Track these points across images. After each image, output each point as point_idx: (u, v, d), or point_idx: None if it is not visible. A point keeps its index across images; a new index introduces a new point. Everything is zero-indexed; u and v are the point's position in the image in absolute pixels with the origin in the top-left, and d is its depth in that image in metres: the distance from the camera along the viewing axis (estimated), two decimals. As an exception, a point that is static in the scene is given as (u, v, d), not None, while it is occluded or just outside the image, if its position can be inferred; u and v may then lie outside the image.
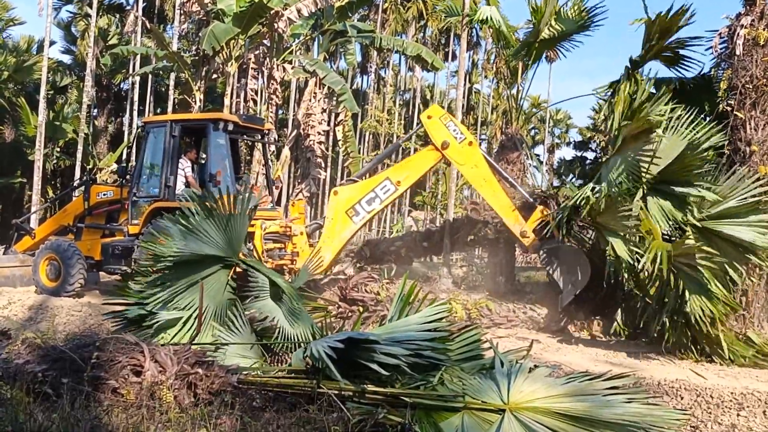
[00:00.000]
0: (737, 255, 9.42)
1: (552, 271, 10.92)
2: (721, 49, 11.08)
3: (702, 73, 12.22)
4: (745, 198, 9.48)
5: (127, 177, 12.84)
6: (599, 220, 10.04)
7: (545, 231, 10.88)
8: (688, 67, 11.75)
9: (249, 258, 7.64)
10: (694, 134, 9.67)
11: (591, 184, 10.20)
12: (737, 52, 10.44)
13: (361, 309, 9.93)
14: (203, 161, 13.05)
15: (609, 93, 11.74)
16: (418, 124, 13.32)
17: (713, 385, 7.71)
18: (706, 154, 9.66)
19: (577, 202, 10.17)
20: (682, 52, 11.54)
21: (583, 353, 9.58)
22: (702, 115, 11.48)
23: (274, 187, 13.88)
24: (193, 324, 6.88)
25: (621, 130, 9.87)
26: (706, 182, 9.56)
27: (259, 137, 13.63)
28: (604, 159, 11.00)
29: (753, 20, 10.45)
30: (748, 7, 10.61)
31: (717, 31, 11.03)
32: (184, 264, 7.11)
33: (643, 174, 9.68)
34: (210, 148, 12.06)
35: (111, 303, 7.32)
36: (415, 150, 38.48)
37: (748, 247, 9.38)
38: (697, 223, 9.52)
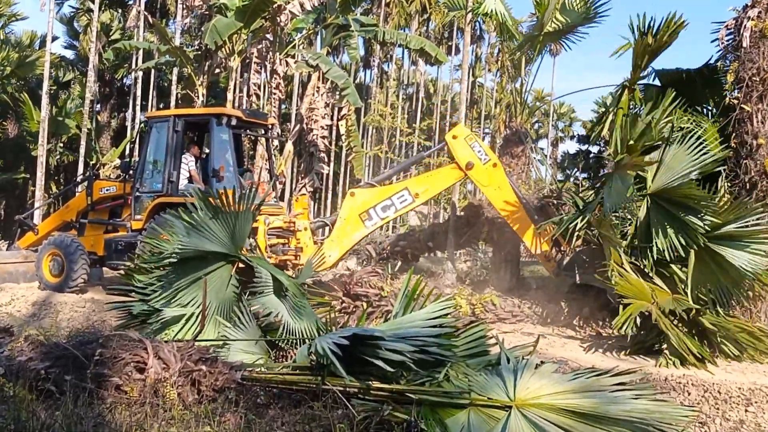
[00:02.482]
0: (738, 275, 9.38)
1: (586, 280, 10.87)
2: (727, 41, 10.99)
3: (707, 63, 12.12)
4: (747, 224, 9.38)
5: (131, 172, 12.80)
6: (602, 231, 10.11)
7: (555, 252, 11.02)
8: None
9: (252, 254, 7.58)
10: (697, 156, 9.66)
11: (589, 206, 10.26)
12: (744, 44, 10.36)
13: (364, 304, 9.89)
14: (205, 156, 13.01)
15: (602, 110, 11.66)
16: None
17: (720, 380, 7.66)
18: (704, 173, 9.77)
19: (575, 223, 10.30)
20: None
21: (589, 349, 9.52)
22: (706, 108, 11.49)
23: (277, 183, 13.84)
24: (196, 320, 6.84)
25: (621, 150, 9.83)
26: (707, 206, 9.45)
27: (263, 132, 13.59)
28: (606, 154, 10.95)
29: (760, 12, 10.36)
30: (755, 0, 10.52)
31: (724, 22, 10.95)
32: (187, 260, 7.09)
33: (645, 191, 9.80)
34: (213, 143, 12.01)
35: (114, 296, 7.29)
36: (420, 147, 38.33)
37: (749, 271, 9.34)
38: (701, 243, 9.47)
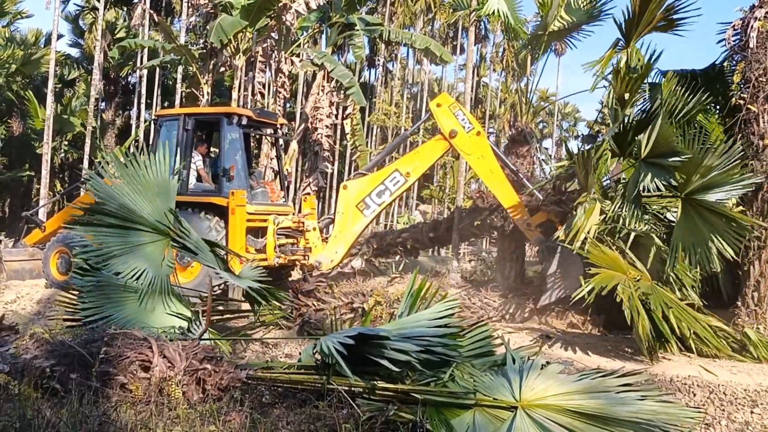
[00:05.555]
0: (721, 224, 9.36)
1: (545, 267, 10.91)
2: (734, 41, 10.95)
3: (713, 64, 12.08)
4: (729, 165, 9.43)
5: None
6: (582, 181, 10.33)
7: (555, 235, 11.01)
8: (684, 29, 11.56)
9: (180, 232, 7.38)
10: (676, 102, 9.75)
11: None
12: (751, 45, 10.31)
13: (315, 304, 9.80)
14: (213, 155, 13.01)
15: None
16: (427, 113, 13.29)
17: (726, 381, 7.65)
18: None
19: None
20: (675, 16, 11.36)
21: (594, 349, 9.50)
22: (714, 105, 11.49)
23: (286, 182, 13.86)
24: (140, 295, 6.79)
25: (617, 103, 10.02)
26: (695, 151, 9.50)
27: (272, 132, 13.58)
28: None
29: (767, 12, 10.31)
30: (762, 0, 10.47)
31: (730, 23, 10.92)
32: (121, 229, 6.98)
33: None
34: (223, 143, 11.98)
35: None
36: (423, 142, 38.19)
37: (731, 218, 9.33)
38: (682, 197, 9.56)
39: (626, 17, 10.95)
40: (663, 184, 9.61)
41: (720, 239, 9.31)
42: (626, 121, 10.05)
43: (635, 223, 9.69)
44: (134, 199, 7.08)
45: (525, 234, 11.72)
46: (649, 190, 9.68)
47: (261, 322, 8.30)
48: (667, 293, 9.14)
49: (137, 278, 6.71)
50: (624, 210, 9.80)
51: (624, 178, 10.54)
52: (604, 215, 9.85)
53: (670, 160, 9.53)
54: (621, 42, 11.42)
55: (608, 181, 10.75)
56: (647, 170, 9.71)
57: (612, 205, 9.98)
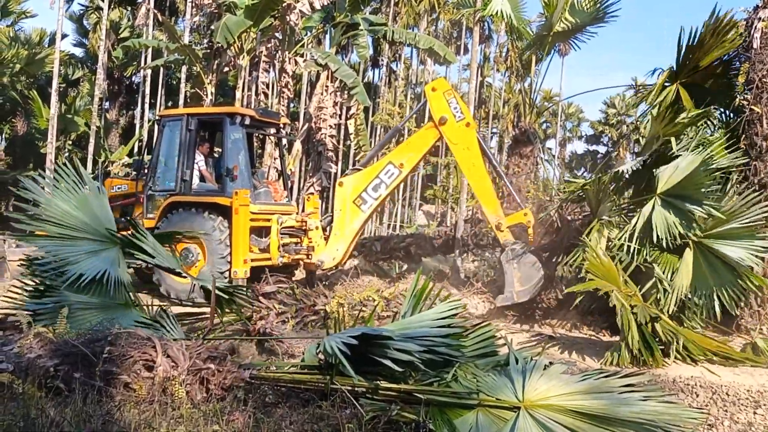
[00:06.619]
0: (731, 278, 9.25)
1: (506, 270, 10.89)
2: (737, 42, 10.94)
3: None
4: (748, 222, 9.26)
5: (143, 170, 12.83)
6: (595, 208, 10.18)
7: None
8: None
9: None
10: (710, 153, 9.60)
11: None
12: (755, 46, 10.30)
13: (276, 307, 9.75)
14: (216, 155, 13.04)
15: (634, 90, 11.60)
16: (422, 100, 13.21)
17: (729, 382, 7.62)
18: (716, 174, 9.70)
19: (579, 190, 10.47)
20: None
21: (596, 350, 9.49)
22: (719, 110, 11.43)
23: (289, 182, 13.88)
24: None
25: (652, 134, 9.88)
26: (714, 200, 9.36)
27: (275, 132, 13.60)
28: (614, 154, 10.97)
29: (771, 13, 10.31)
30: (766, 0, 10.46)
31: (733, 23, 10.89)
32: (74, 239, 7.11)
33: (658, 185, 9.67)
34: (226, 143, 12.02)
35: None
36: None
37: (741, 272, 9.21)
38: (695, 239, 9.41)
39: (690, 42, 10.58)
40: (678, 226, 9.38)
41: (725, 293, 9.21)
42: (652, 153, 9.93)
43: (641, 256, 9.55)
44: (75, 214, 7.19)
45: (496, 234, 11.66)
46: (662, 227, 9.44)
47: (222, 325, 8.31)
48: (652, 309, 8.91)
49: (99, 277, 6.76)
50: (633, 241, 9.58)
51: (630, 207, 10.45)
52: (609, 242, 9.75)
53: (692, 205, 9.34)
54: (673, 68, 11.04)
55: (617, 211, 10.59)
56: (663, 208, 9.49)
57: (619, 234, 9.82)
